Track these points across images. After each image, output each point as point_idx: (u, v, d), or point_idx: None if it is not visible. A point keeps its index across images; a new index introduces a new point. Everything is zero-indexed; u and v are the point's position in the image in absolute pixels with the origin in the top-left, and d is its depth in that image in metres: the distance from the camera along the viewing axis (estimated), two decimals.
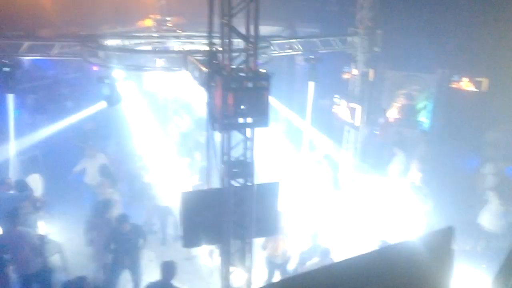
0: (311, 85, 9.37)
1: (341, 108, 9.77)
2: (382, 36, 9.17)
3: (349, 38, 9.16)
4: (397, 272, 1.87)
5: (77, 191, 9.09)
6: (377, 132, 11.60)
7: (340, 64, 11.85)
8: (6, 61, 6.91)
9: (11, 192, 7.56)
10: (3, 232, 6.47)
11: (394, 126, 11.99)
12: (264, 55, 7.08)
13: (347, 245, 7.26)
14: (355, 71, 9.54)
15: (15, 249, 6.26)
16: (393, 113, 12.74)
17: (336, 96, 10.05)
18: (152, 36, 8.51)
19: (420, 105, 12.84)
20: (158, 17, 10.64)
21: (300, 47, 8.48)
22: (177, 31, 9.06)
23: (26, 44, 6.94)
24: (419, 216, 7.64)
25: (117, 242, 6.58)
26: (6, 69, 6.96)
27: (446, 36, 12.66)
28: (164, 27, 10.38)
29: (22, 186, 7.53)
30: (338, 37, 9.03)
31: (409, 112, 12.92)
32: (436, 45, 12.10)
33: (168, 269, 5.63)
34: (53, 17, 10.67)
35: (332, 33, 9.37)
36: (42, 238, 6.60)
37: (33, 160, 10.08)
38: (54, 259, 7.06)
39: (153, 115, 11.74)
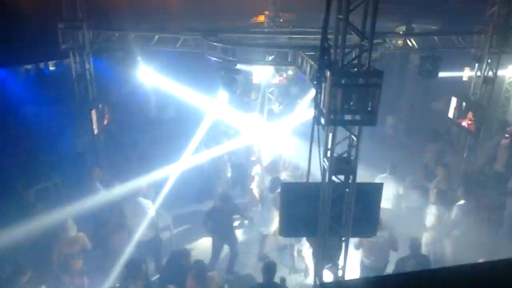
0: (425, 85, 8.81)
1: (459, 112, 8.98)
2: None
3: (475, 37, 8.35)
4: None
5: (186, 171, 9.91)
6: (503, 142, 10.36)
7: (460, 64, 10.88)
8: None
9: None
10: (126, 201, 7.40)
11: None
12: (376, 52, 6.88)
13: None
14: (478, 73, 8.70)
15: (134, 217, 7.14)
16: None
17: (453, 99, 9.25)
18: (265, 31, 8.85)
19: None
20: (271, 13, 10.97)
21: (415, 44, 8.02)
22: (289, 26, 9.26)
23: (156, 36, 7.77)
24: None
25: (215, 219, 7.06)
26: (139, 58, 7.90)
27: None
28: (276, 23, 10.67)
29: None
30: (462, 34, 8.29)
31: None
32: None
33: (269, 269, 5.81)
34: (179, 12, 11.72)
35: (455, 31, 8.64)
36: (157, 210, 7.39)
37: (152, 141, 11.31)
38: (164, 231, 7.84)
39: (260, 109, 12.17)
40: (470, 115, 8.72)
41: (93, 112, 8.36)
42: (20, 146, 9.61)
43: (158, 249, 7.31)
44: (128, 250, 7.42)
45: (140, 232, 7.11)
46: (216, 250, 7.28)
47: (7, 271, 5.90)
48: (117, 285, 6.12)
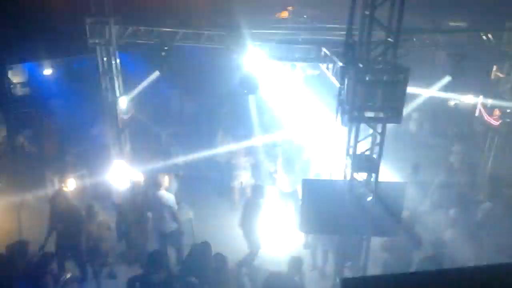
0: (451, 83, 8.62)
1: (486, 111, 8.76)
2: None
3: (505, 34, 8.11)
4: None
5: (208, 166, 10.05)
6: None
7: (489, 62, 10.56)
8: (165, 47, 7.92)
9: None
10: (150, 194, 7.54)
11: None
12: (401, 48, 6.76)
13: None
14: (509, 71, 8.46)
15: (157, 210, 7.27)
16: None
17: (480, 97, 9.00)
18: (289, 27, 8.82)
19: None
20: (295, 8, 10.93)
21: (441, 41, 7.85)
22: (313, 22, 9.20)
23: (181, 32, 7.85)
24: None
25: (247, 211, 7.18)
26: (163, 53, 8.00)
27: None
28: (300, 19, 10.63)
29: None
30: (491, 31, 8.06)
31: None
32: None
33: (295, 264, 5.81)
34: (203, 8, 11.79)
35: (484, 27, 8.39)
36: (178, 204, 7.51)
37: (174, 135, 11.48)
38: (185, 224, 7.94)
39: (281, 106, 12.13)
40: (496, 112, 8.52)
41: (118, 106, 8.53)
42: (49, 138, 9.95)
43: (179, 242, 7.42)
44: (150, 242, 7.61)
45: (161, 224, 7.23)
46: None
47: (37, 257, 6.12)
48: (139, 276, 6.25)
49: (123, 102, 8.68)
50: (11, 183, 9.16)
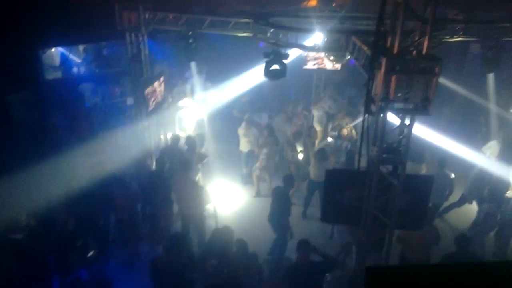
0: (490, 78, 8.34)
1: None
2: None
3: None
4: None
5: (231, 154, 10.14)
6: None
7: None
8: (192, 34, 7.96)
9: (183, 146, 8.92)
10: (174, 177, 7.69)
11: None
12: (434, 39, 6.56)
13: None
14: None
15: (181, 193, 7.41)
16: None
17: None
18: (317, 16, 8.68)
19: None
20: None
21: (475, 32, 7.59)
22: (342, 11, 9.03)
23: (208, 19, 7.87)
24: None
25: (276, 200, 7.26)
26: (190, 40, 8.05)
27: None
28: (329, 7, 10.41)
29: (191, 142, 8.83)
30: None
31: None
32: None
33: (303, 247, 5.79)
34: None
35: None
36: (201, 187, 7.63)
37: (200, 121, 11.57)
38: (208, 208, 8.07)
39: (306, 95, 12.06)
40: None
41: (147, 91, 8.68)
42: (80, 121, 10.21)
43: (201, 225, 7.56)
44: (174, 224, 7.78)
45: (186, 206, 7.37)
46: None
47: (67, 232, 6.33)
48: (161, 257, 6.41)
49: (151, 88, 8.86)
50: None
